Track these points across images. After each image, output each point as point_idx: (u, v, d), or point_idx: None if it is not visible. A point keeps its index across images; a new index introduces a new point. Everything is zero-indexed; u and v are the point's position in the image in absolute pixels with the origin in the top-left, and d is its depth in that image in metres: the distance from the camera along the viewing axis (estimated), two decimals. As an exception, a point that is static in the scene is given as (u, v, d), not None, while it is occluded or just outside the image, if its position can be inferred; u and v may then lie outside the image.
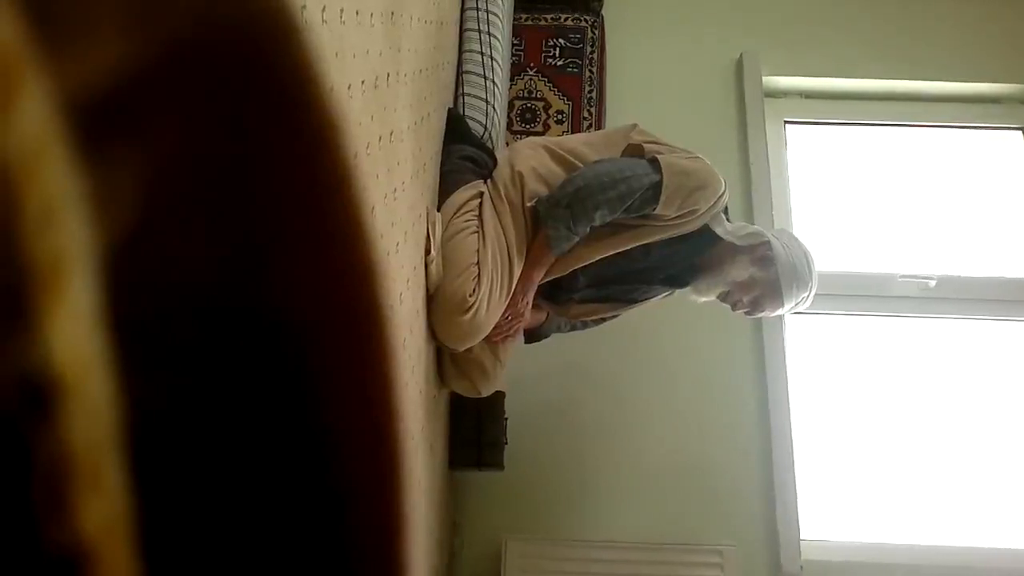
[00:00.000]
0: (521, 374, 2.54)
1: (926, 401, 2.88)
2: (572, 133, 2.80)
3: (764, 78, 3.15)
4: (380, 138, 1.51)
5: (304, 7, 1.07)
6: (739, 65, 3.18)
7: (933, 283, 2.97)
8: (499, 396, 2.39)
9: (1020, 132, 3.26)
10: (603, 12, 3.07)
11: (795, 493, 2.64)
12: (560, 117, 2.84)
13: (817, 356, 2.93)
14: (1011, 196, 3.18)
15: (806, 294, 2.12)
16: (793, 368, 2.81)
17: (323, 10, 1.15)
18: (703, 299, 2.23)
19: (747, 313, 2.19)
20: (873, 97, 3.26)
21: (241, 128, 0.23)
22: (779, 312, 2.17)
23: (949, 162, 3.29)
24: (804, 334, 2.93)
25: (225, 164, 0.23)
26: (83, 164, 0.18)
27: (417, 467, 1.90)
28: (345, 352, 0.27)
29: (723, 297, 2.19)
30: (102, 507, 0.18)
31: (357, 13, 1.33)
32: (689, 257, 2.16)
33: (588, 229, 2.03)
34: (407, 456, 0.29)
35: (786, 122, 3.23)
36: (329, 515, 0.26)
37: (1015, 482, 2.77)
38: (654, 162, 2.04)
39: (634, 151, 2.12)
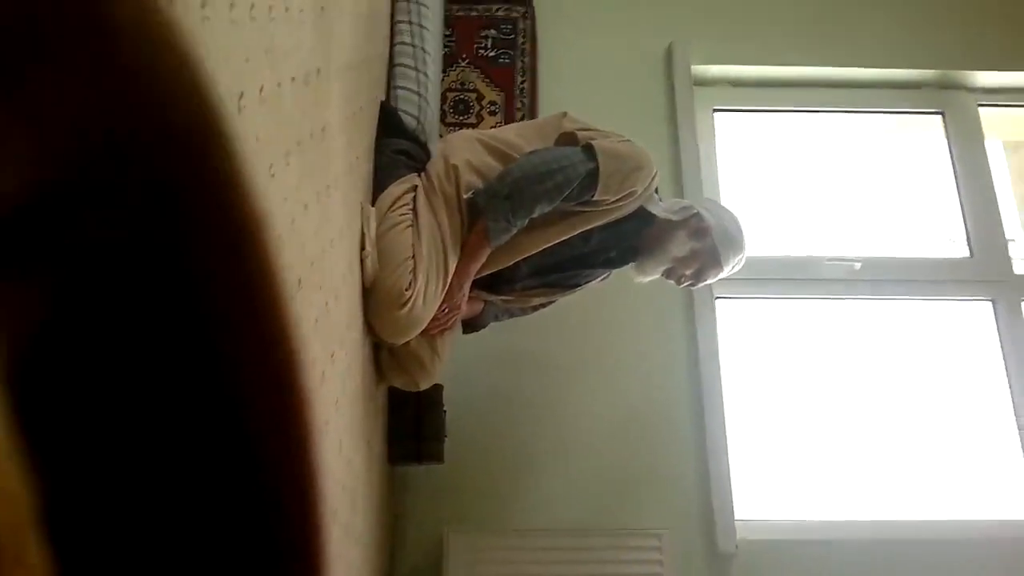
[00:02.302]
0: (458, 365, 2.55)
1: (854, 380, 2.96)
2: (505, 123, 2.80)
3: (693, 67, 3.20)
4: (312, 134, 1.50)
5: (233, 4, 1.06)
6: (668, 54, 3.21)
7: (858, 265, 3.05)
8: (437, 389, 2.39)
9: (940, 116, 3.35)
10: (534, 3, 3.08)
11: (728, 475, 2.70)
12: (493, 108, 2.84)
13: (748, 339, 2.99)
14: (931, 178, 3.28)
15: (741, 255, 2.21)
16: (725, 352, 2.86)
17: (251, 7, 1.14)
18: (647, 279, 2.27)
19: (691, 285, 2.26)
20: (799, 84, 3.33)
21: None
22: (719, 277, 2.24)
23: (873, 147, 3.38)
24: (735, 318, 2.99)
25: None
26: None
27: (337, 465, 1.89)
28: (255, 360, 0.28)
29: (667, 274, 2.24)
30: None
31: (287, 9, 1.32)
32: (628, 238, 2.20)
33: (527, 220, 2.04)
34: (317, 449, 0.30)
35: (715, 110, 3.28)
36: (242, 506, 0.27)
37: (940, 455, 2.86)
38: (589, 149, 2.06)
39: (568, 139, 2.14)
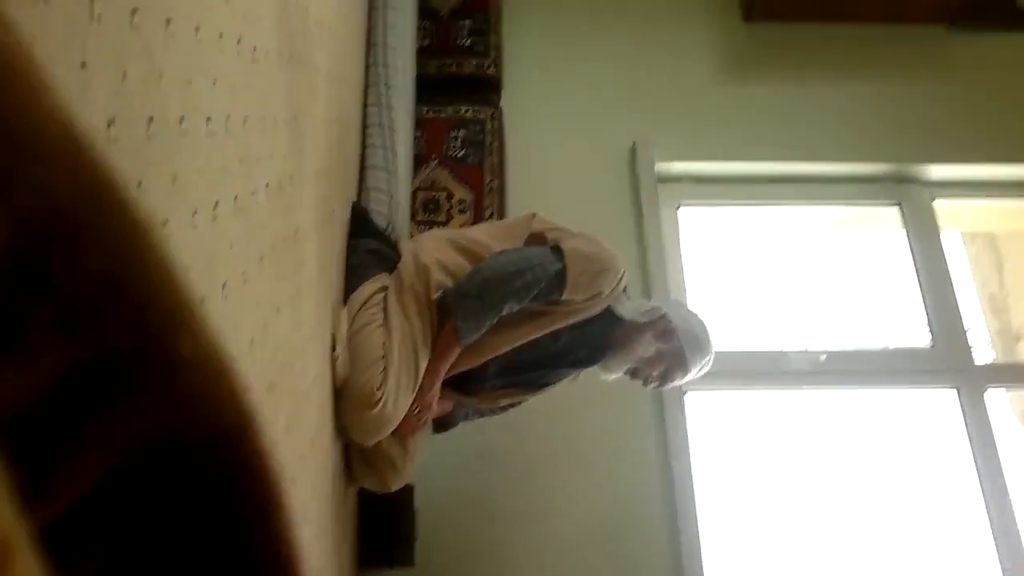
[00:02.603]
0: (428, 465, 2.52)
1: (825, 471, 2.97)
2: (475, 222, 2.84)
3: (657, 164, 3.28)
4: (285, 238, 1.51)
5: (209, 118, 1.08)
6: (633, 152, 3.29)
7: (824, 357, 3.09)
8: (408, 490, 2.36)
9: (897, 208, 3.45)
10: (502, 104, 3.16)
11: (700, 563, 2.68)
12: (463, 206, 2.88)
13: (718, 431, 3.00)
14: (893, 269, 3.35)
15: (708, 358, 2.19)
16: (695, 445, 2.86)
17: (227, 119, 1.16)
18: (612, 376, 2.26)
19: (657, 386, 2.24)
20: (760, 179, 3.41)
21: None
22: (685, 380, 2.22)
23: (835, 239, 3.46)
24: (704, 411, 3.00)
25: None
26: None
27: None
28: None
29: (632, 373, 2.23)
30: None
31: (261, 119, 1.35)
32: (596, 339, 2.20)
33: (496, 320, 2.05)
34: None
35: (679, 206, 3.35)
36: None
37: (911, 543, 2.86)
38: (557, 249, 2.09)
39: (537, 240, 2.17)
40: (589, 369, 2.29)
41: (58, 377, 0.24)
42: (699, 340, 2.16)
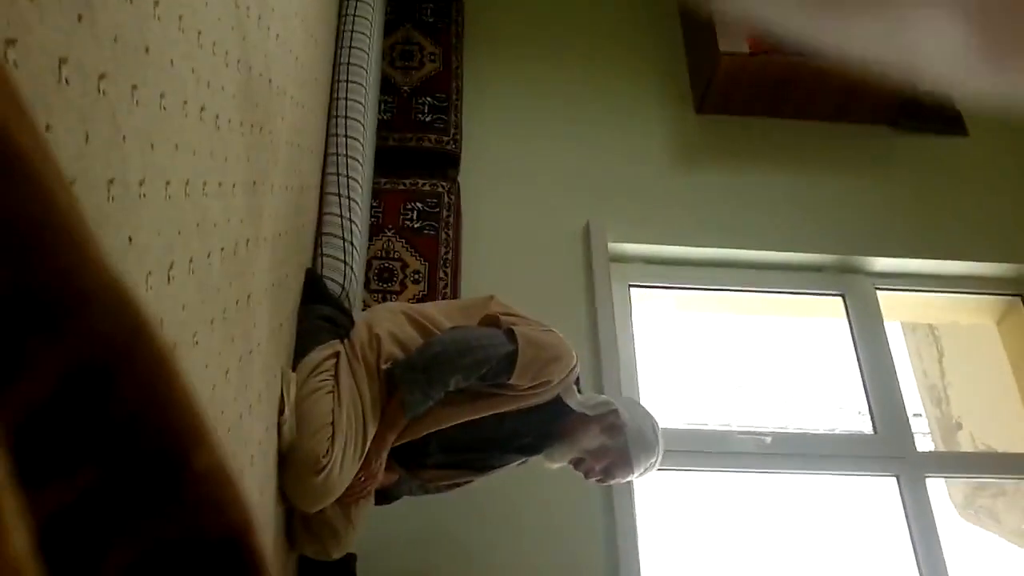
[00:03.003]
0: (372, 541, 2.49)
1: (768, 553, 2.99)
2: (428, 293, 2.87)
3: (609, 244, 3.34)
4: (237, 302, 1.53)
5: (169, 182, 1.11)
6: (586, 232, 3.36)
7: (768, 439, 3.13)
8: (350, 558, 2.33)
9: (840, 298, 3.54)
10: (459, 179, 3.22)
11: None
12: (417, 277, 2.91)
13: (664, 510, 3.01)
14: (837, 356, 3.43)
15: (654, 459, 2.17)
16: (642, 521, 2.86)
17: (186, 184, 1.19)
18: (556, 466, 2.23)
19: (599, 481, 2.21)
20: (709, 264, 3.49)
21: None
22: (629, 479, 2.20)
23: (782, 324, 3.54)
24: (652, 491, 3.01)
25: None
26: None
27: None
28: None
29: (576, 464, 2.20)
30: None
31: (220, 184, 1.38)
32: (542, 427, 2.18)
33: (442, 394, 2.05)
34: None
35: (630, 285, 3.41)
36: None
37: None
38: (510, 333, 2.10)
39: (490, 321, 2.18)
40: (534, 458, 2.28)
41: (92, 493, 0.29)
42: (646, 440, 2.14)
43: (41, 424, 0.27)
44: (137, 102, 0.99)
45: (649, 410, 2.24)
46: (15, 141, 0.28)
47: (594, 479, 2.20)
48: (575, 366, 2.16)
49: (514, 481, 2.64)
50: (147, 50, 1.02)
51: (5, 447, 0.24)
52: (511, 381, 2.06)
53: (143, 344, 0.32)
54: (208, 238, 1.30)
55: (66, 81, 0.81)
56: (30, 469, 0.26)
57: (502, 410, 2.11)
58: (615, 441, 2.14)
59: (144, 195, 1.02)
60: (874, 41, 0.22)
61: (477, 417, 2.10)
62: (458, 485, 2.32)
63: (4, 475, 0.23)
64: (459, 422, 2.10)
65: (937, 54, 0.22)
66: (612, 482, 2.21)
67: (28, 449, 0.26)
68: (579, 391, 2.21)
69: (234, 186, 1.47)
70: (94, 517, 0.29)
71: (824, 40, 0.23)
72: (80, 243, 0.30)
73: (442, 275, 2.92)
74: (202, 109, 1.27)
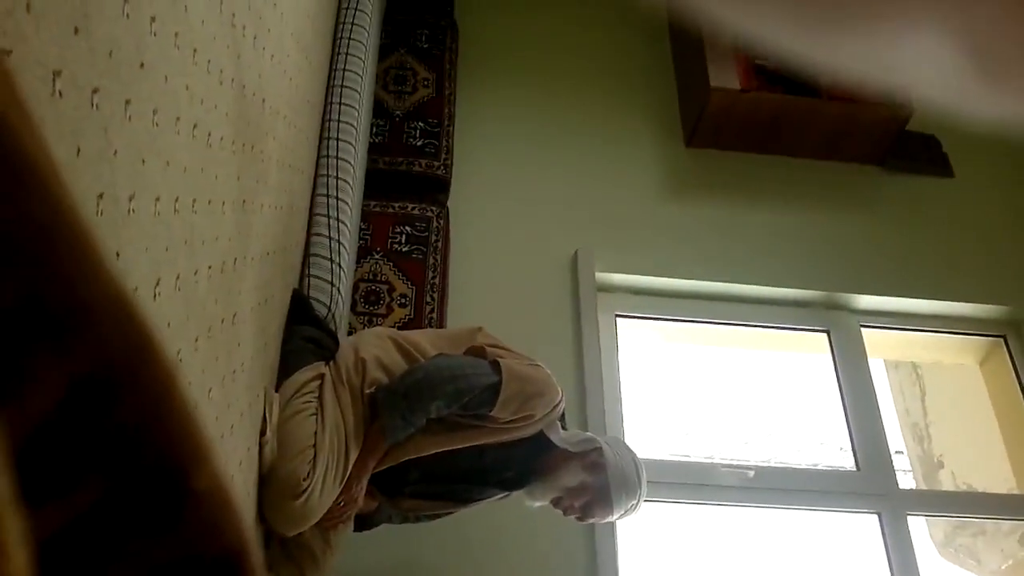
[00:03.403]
0: (352, 565, 2.47)
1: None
2: (414, 316, 2.86)
3: (597, 274, 3.35)
4: (223, 320, 1.52)
5: (158, 198, 1.10)
6: (574, 261, 3.37)
7: (752, 473, 3.13)
8: (327, 584, 2.30)
9: (825, 334, 3.56)
10: (449, 204, 3.22)
11: None
12: (403, 300, 2.90)
13: (646, 541, 3.00)
14: (821, 392, 3.43)
15: (634, 501, 2.14)
16: (623, 552, 2.85)
17: (176, 200, 1.18)
18: (537, 504, 2.21)
19: (578, 519, 2.18)
20: (695, 296, 3.50)
21: None
22: (608, 519, 2.17)
23: (767, 358, 3.54)
24: (634, 524, 2.99)
25: None
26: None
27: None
28: None
29: (555, 502, 2.18)
30: None
31: (209, 202, 1.37)
32: (523, 462, 2.17)
33: (424, 421, 2.03)
34: None
35: (617, 315, 3.41)
36: None
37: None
38: (495, 364, 2.09)
39: (476, 351, 2.16)
40: (516, 493, 2.26)
41: (91, 513, 0.29)
42: (628, 480, 2.11)
43: (43, 438, 0.26)
44: (130, 117, 0.99)
45: (634, 451, 2.20)
46: (22, 145, 0.28)
47: (573, 516, 2.18)
48: (560, 402, 2.15)
49: (496, 511, 2.62)
50: (142, 65, 1.02)
51: (9, 464, 0.23)
52: (492, 413, 2.04)
53: (149, 359, 0.32)
54: (196, 256, 1.30)
55: (59, 94, 0.80)
56: (31, 485, 0.25)
57: (482, 442, 2.09)
58: (596, 479, 2.11)
59: (133, 210, 1.01)
60: (866, 62, 0.22)
61: (456, 447, 2.08)
62: (438, 516, 2.29)
63: (7, 493, 0.23)
64: (438, 451, 2.08)
65: (930, 76, 0.22)
66: (591, 520, 2.18)
67: (29, 464, 0.26)
68: (564, 427, 2.19)
69: (223, 204, 1.47)
70: (93, 535, 0.28)
71: (815, 61, 0.23)
72: (88, 252, 0.30)
73: (429, 300, 2.92)
74: (194, 126, 1.27)
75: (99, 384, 0.29)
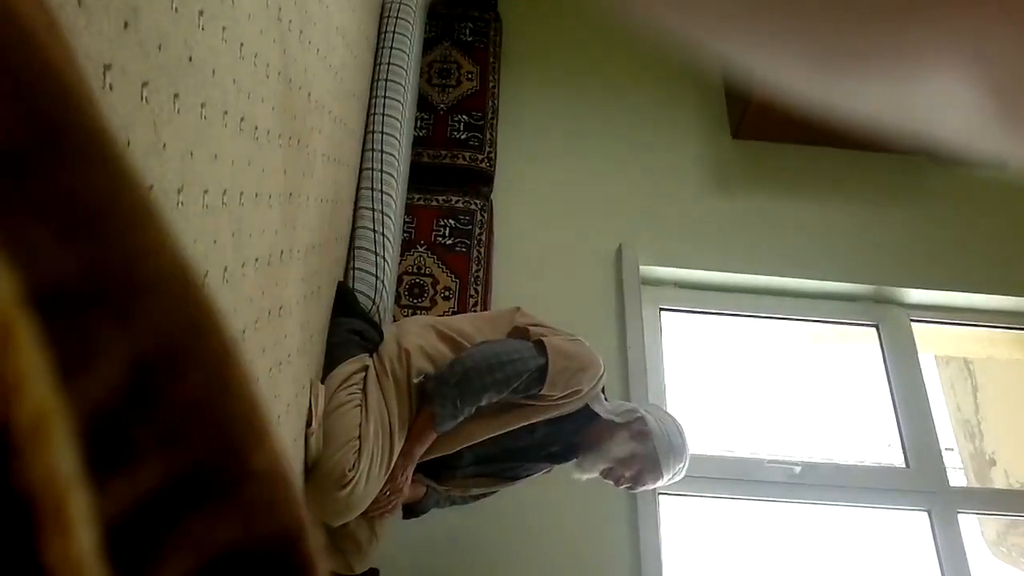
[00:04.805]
0: (395, 549, 2.49)
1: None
2: (458, 309, 2.87)
3: (641, 267, 3.33)
4: (269, 312, 1.53)
5: (207, 191, 1.11)
6: (618, 255, 3.35)
7: (798, 469, 3.09)
8: (373, 573, 2.32)
9: (875, 328, 3.50)
10: (492, 197, 3.22)
11: None
12: (447, 293, 2.91)
13: (689, 537, 2.98)
14: (870, 387, 3.38)
15: (682, 464, 2.18)
16: (667, 547, 2.84)
17: (224, 193, 1.20)
18: (587, 476, 2.24)
19: (629, 488, 2.21)
20: (741, 290, 3.47)
21: None
22: (659, 484, 2.20)
23: (814, 353, 3.50)
24: (676, 515, 2.98)
25: None
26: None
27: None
28: None
29: (605, 474, 2.21)
30: None
31: (256, 195, 1.38)
32: (571, 435, 2.20)
33: (474, 409, 2.06)
34: None
35: (661, 309, 3.39)
36: None
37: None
38: (539, 344, 2.11)
39: (519, 333, 2.19)
40: (564, 466, 2.29)
41: (152, 492, 0.28)
42: (674, 445, 2.15)
43: (106, 415, 0.26)
44: (178, 111, 1.00)
45: (674, 415, 2.24)
46: (89, 115, 0.28)
47: (624, 487, 2.21)
48: (602, 374, 2.18)
49: (541, 494, 2.63)
50: (190, 59, 1.03)
51: (76, 439, 0.23)
52: (542, 392, 2.07)
53: (211, 334, 0.31)
54: (243, 248, 1.31)
55: (110, 87, 0.81)
56: (93, 463, 0.25)
57: (533, 421, 2.12)
58: (644, 447, 2.14)
59: (182, 203, 1.03)
60: (885, 104, 0.22)
61: (508, 430, 2.11)
62: (486, 495, 2.33)
63: (74, 469, 0.23)
64: (491, 436, 2.10)
65: (951, 118, 0.21)
66: (641, 489, 2.22)
67: (92, 441, 0.26)
68: (605, 399, 2.22)
69: (270, 197, 1.48)
70: (151, 515, 0.28)
71: (834, 102, 0.22)
72: (152, 221, 0.30)
73: (472, 292, 2.92)
74: (242, 120, 1.28)
75: (159, 358, 0.29)
